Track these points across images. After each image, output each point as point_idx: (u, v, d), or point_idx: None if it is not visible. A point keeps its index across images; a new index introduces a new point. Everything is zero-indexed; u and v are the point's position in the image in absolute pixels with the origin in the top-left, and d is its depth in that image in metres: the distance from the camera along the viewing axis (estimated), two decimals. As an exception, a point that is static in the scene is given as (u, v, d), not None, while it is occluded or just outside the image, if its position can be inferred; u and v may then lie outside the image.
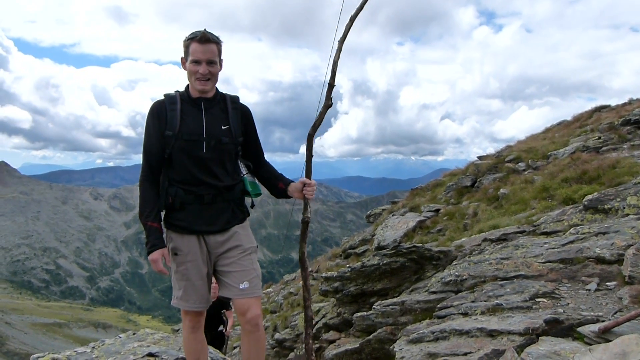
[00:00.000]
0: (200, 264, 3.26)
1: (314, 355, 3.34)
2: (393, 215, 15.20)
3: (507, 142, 18.83)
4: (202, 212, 3.20)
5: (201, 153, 3.15)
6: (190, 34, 3.12)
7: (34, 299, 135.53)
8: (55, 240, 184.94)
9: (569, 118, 20.10)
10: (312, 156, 3.45)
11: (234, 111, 3.31)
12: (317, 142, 3.51)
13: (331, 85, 3.27)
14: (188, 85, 3.26)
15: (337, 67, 3.36)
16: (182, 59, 3.19)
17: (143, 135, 3.22)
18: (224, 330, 7.73)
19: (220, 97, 3.31)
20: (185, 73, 3.22)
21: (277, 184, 3.48)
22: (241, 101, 3.43)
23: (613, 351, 2.83)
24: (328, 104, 3.31)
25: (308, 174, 3.44)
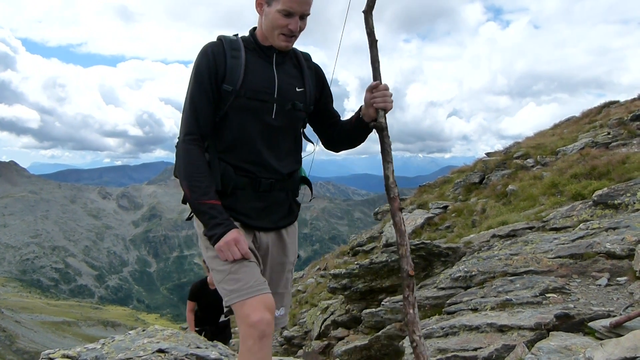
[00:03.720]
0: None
1: (415, 308, 2.36)
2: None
3: (515, 139, 18.81)
4: (254, 201, 2.44)
5: (269, 119, 2.40)
6: None
7: (43, 297, 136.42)
8: (64, 239, 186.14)
9: (577, 114, 20.03)
10: (377, 40, 2.54)
11: (309, 70, 2.58)
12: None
13: None
14: (253, 29, 2.50)
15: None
16: (259, 0, 2.38)
17: (189, 84, 2.39)
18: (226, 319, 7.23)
19: (292, 52, 2.56)
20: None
21: (352, 122, 2.63)
22: None
23: (625, 346, 2.82)
24: None
25: (376, 74, 2.52)
